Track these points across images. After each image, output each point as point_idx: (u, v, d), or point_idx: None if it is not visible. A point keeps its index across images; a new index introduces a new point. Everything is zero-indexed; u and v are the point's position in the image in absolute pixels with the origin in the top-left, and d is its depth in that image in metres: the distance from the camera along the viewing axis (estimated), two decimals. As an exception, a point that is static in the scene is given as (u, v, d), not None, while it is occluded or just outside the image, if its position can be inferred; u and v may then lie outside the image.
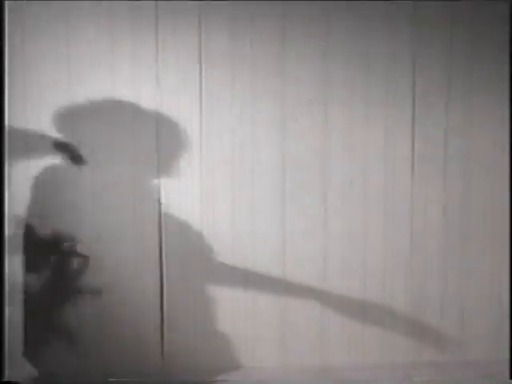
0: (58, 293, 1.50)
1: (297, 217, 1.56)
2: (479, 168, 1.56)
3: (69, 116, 1.48)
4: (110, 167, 1.49)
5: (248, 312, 1.58)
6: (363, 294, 1.58)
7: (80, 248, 1.50)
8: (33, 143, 1.48)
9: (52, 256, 1.50)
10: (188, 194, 1.53)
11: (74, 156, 1.51)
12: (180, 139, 1.52)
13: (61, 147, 1.50)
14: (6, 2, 1.41)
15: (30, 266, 1.48)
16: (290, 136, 1.55)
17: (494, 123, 1.55)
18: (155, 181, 1.52)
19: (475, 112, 1.56)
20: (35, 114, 1.47)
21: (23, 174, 1.47)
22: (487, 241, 1.57)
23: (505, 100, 1.54)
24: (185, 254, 1.54)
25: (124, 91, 1.48)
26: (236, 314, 1.58)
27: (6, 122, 1.42)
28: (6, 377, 1.40)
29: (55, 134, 1.48)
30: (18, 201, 1.46)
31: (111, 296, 1.51)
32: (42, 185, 1.48)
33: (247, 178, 1.54)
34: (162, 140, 1.51)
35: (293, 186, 1.55)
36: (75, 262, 1.51)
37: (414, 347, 1.60)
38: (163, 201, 1.52)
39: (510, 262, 1.54)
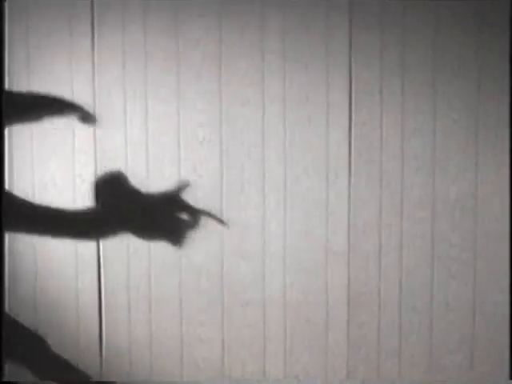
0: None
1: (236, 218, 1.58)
2: (415, 168, 1.60)
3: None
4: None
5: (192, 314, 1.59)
6: (302, 292, 1.61)
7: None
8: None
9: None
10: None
11: (84, 115, 1.50)
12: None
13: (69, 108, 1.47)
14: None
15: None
16: (226, 136, 1.58)
17: (427, 124, 1.59)
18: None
19: (410, 113, 1.59)
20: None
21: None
22: (424, 240, 1.61)
23: (438, 99, 1.59)
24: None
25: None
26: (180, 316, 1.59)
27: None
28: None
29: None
30: None
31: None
32: None
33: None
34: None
35: (229, 188, 1.58)
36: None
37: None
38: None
39: (510, 261, 1.57)
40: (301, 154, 1.59)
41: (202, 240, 1.58)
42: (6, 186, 1.53)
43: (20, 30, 1.56)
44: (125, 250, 1.58)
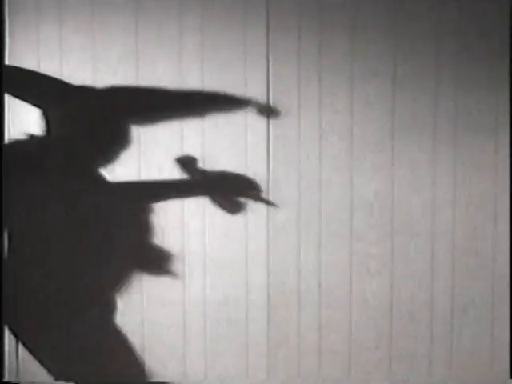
0: None
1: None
2: (333, 166, 1.60)
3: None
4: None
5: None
6: (222, 292, 1.60)
7: None
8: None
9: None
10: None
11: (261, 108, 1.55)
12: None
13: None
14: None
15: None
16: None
17: (344, 123, 1.60)
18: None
19: (328, 112, 1.59)
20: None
21: None
22: (343, 238, 1.61)
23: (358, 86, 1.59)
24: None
25: None
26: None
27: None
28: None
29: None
30: None
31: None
32: None
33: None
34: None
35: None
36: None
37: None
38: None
39: (510, 261, 1.57)
40: (218, 154, 1.58)
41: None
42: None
43: None
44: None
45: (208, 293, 1.60)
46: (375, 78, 1.58)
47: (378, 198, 1.59)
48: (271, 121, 1.58)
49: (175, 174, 1.58)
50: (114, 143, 1.58)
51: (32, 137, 1.56)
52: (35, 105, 1.57)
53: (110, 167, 1.57)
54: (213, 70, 1.58)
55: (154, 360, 1.61)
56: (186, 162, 1.57)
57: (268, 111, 1.57)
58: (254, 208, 1.59)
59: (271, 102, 1.58)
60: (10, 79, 1.57)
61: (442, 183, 1.58)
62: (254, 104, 1.57)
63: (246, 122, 1.58)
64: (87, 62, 1.57)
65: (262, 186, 1.58)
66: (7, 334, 1.58)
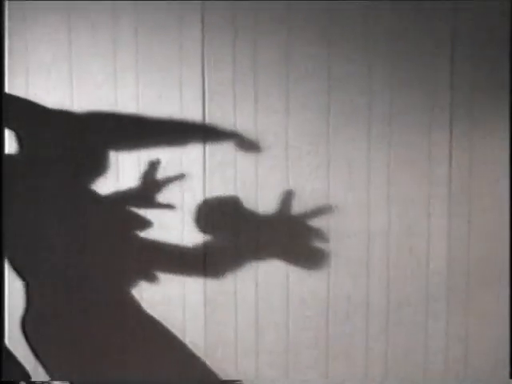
0: None
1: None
2: (270, 166, 1.60)
3: None
4: None
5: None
6: (162, 290, 1.60)
7: None
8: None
9: None
10: None
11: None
12: None
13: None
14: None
15: None
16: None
17: (280, 123, 1.60)
18: None
19: (264, 112, 1.60)
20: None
21: None
22: (280, 238, 1.62)
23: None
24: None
25: None
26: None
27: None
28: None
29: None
30: None
31: None
32: None
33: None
34: None
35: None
36: None
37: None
38: None
39: (509, 263, 1.58)
40: (155, 155, 1.58)
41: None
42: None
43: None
44: None
45: (145, 294, 1.60)
46: (310, 79, 1.59)
47: (314, 197, 1.60)
48: (207, 121, 1.58)
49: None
50: (91, 168, 1.58)
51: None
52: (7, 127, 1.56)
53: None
54: (147, 70, 1.58)
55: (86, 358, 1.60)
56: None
57: (251, 146, 1.58)
58: (190, 209, 1.59)
59: (206, 103, 1.58)
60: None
61: (376, 182, 1.59)
62: (238, 137, 1.57)
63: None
64: (21, 66, 1.56)
65: (198, 186, 1.58)
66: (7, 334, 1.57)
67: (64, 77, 1.57)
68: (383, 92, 1.58)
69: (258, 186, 1.60)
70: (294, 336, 1.62)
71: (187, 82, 1.58)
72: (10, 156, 1.56)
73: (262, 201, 1.60)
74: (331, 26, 1.58)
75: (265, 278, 1.61)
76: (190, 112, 1.58)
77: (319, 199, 1.60)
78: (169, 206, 1.57)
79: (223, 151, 1.59)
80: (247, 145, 1.58)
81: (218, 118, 1.58)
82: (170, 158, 1.58)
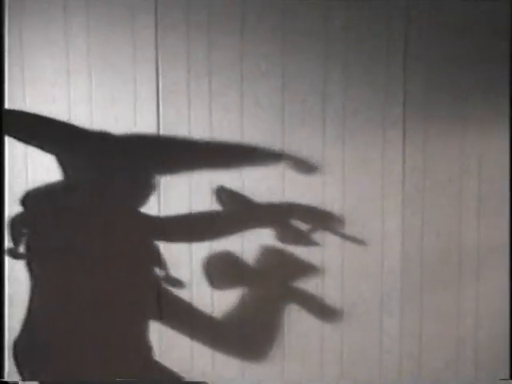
0: None
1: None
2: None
3: None
4: None
5: None
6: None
7: None
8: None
9: None
10: None
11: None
12: None
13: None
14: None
15: None
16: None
17: (235, 122, 1.61)
18: None
19: (218, 112, 1.60)
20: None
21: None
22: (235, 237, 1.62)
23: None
24: None
25: None
26: None
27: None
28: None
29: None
30: None
31: None
32: None
33: None
34: None
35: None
36: None
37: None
38: None
39: (510, 265, 1.58)
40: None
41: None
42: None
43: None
44: None
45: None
46: (264, 78, 1.59)
47: (270, 196, 1.60)
48: (162, 120, 1.58)
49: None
50: (135, 192, 1.57)
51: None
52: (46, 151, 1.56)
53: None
54: (101, 70, 1.57)
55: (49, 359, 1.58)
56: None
57: (304, 166, 1.58)
58: (147, 210, 1.58)
59: (161, 102, 1.58)
60: (16, 124, 1.55)
61: (331, 180, 1.60)
62: (289, 158, 1.57)
63: (136, 121, 1.58)
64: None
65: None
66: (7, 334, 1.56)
67: (16, 76, 1.55)
68: (337, 91, 1.59)
69: (211, 184, 1.59)
70: (249, 336, 1.61)
71: (141, 81, 1.58)
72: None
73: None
74: (285, 26, 1.59)
75: (220, 276, 1.60)
76: (144, 111, 1.58)
77: (275, 198, 1.60)
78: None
79: (177, 148, 1.58)
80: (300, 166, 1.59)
81: (172, 117, 1.58)
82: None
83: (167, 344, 1.60)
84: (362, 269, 1.61)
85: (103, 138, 1.57)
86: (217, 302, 1.61)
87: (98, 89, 1.57)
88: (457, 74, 1.58)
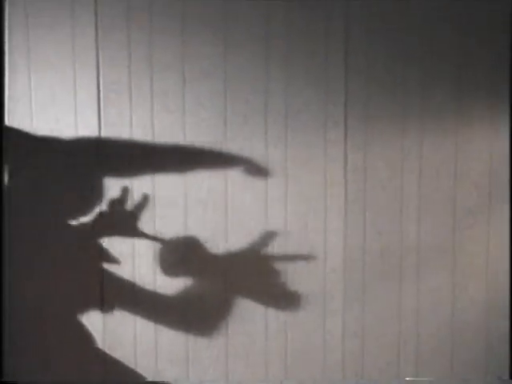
0: None
1: None
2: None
3: None
4: None
5: None
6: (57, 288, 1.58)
7: None
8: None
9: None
10: None
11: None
12: None
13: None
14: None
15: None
16: None
17: (177, 122, 1.60)
18: None
19: (159, 112, 1.59)
20: None
21: None
22: (177, 232, 1.62)
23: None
24: None
25: None
26: None
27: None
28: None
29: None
30: None
31: None
32: None
33: None
34: None
35: None
36: None
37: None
38: None
39: (510, 265, 1.58)
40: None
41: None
42: None
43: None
44: None
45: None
46: (206, 79, 1.59)
47: (212, 196, 1.60)
48: (103, 120, 1.57)
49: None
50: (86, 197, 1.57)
51: None
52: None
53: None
54: (40, 70, 1.56)
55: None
56: None
57: (258, 171, 1.58)
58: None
59: (102, 102, 1.57)
60: None
61: (273, 181, 1.60)
62: (245, 162, 1.58)
63: (77, 121, 1.57)
64: None
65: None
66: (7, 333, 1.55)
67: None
68: (279, 91, 1.59)
69: (155, 186, 1.59)
70: (192, 335, 1.61)
71: (81, 81, 1.57)
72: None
73: (159, 200, 1.59)
74: (227, 26, 1.59)
75: (164, 276, 1.60)
76: (85, 112, 1.57)
77: (216, 198, 1.60)
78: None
79: (119, 152, 1.58)
80: (256, 171, 1.59)
81: (113, 117, 1.57)
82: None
83: (110, 344, 1.59)
84: (305, 268, 1.61)
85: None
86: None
87: (37, 89, 1.56)
88: (397, 73, 1.59)
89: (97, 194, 1.57)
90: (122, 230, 1.58)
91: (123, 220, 1.58)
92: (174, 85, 1.59)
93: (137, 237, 1.58)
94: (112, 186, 1.57)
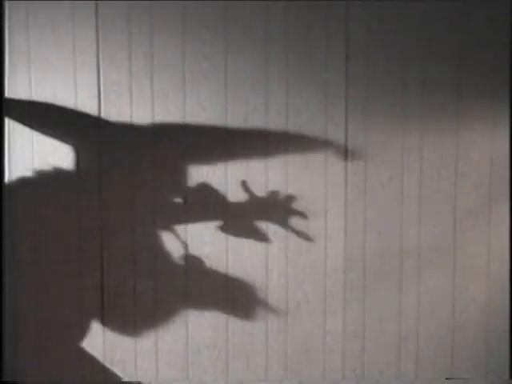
0: None
1: None
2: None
3: None
4: None
5: None
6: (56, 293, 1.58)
7: None
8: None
9: None
10: None
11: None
12: None
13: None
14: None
15: None
16: None
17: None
18: None
19: (160, 113, 1.59)
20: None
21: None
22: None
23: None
24: None
25: None
26: None
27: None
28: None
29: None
30: None
31: None
32: None
33: None
34: None
35: None
36: None
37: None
38: None
39: (510, 265, 1.59)
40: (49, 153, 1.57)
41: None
42: None
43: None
44: None
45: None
46: (207, 80, 1.59)
47: (214, 195, 1.60)
48: (103, 121, 1.57)
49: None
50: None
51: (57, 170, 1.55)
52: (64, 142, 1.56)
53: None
54: (40, 70, 1.56)
55: None
56: None
57: (345, 152, 1.58)
58: (86, 212, 1.58)
59: (102, 103, 1.57)
60: (36, 114, 1.55)
61: (274, 182, 1.60)
62: (332, 146, 1.58)
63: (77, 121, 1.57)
64: None
65: (93, 187, 1.57)
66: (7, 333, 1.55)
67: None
68: (279, 92, 1.59)
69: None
70: (192, 336, 1.61)
71: (82, 81, 1.57)
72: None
73: (158, 200, 1.59)
74: (227, 27, 1.59)
75: (162, 277, 1.60)
76: (85, 111, 1.57)
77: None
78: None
79: (122, 152, 1.58)
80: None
81: (113, 117, 1.57)
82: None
83: (110, 346, 1.60)
84: (306, 269, 1.61)
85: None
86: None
87: (38, 89, 1.56)
88: (397, 74, 1.59)
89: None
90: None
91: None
92: (175, 85, 1.59)
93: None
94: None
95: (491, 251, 1.62)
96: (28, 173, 1.56)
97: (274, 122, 1.60)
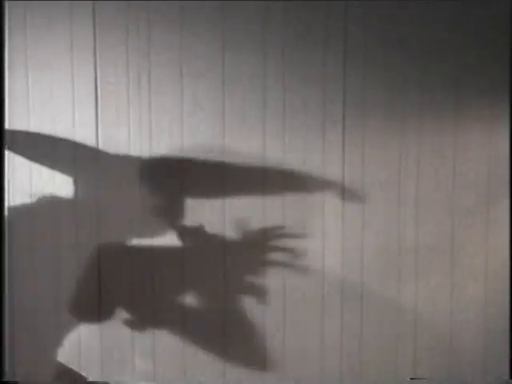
0: None
1: None
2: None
3: None
4: None
5: None
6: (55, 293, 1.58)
7: None
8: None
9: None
10: None
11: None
12: None
13: None
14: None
15: None
16: None
17: (175, 122, 1.60)
18: None
19: (158, 113, 1.59)
20: None
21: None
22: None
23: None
24: None
25: None
26: None
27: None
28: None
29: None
30: None
31: None
32: None
33: None
34: None
35: None
36: None
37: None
38: None
39: (509, 265, 1.58)
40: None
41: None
42: None
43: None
44: None
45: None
46: (204, 77, 1.59)
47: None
48: (100, 120, 1.57)
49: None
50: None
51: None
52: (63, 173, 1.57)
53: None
54: (38, 69, 1.56)
55: None
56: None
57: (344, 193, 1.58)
58: (83, 211, 1.57)
59: (99, 101, 1.57)
60: (33, 145, 1.56)
61: (272, 181, 1.60)
62: (333, 186, 1.58)
63: (74, 121, 1.57)
64: None
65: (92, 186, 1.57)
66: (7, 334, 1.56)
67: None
68: (277, 89, 1.59)
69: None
70: (190, 337, 1.61)
71: (79, 80, 1.57)
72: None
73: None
74: (225, 24, 1.58)
75: (161, 275, 1.60)
76: (83, 112, 1.57)
77: (216, 199, 1.59)
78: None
79: (117, 151, 1.58)
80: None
81: (111, 117, 1.57)
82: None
83: (107, 344, 1.59)
84: (303, 270, 1.60)
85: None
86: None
87: (35, 88, 1.56)
88: (396, 72, 1.58)
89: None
90: None
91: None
92: (172, 84, 1.59)
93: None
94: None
95: (489, 250, 1.61)
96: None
97: (272, 119, 1.59)
